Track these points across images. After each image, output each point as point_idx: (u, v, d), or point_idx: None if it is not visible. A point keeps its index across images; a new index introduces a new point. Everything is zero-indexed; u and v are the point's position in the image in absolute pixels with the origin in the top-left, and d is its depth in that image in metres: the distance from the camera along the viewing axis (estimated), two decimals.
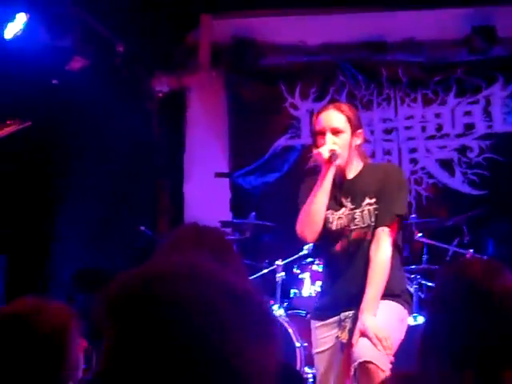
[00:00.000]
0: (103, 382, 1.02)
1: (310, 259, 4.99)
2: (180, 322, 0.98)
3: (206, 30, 6.46)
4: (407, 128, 6.43)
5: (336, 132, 3.08)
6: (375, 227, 3.07)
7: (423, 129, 6.41)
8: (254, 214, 5.53)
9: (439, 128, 6.38)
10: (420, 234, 5.18)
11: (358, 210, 3.11)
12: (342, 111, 3.11)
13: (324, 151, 3.05)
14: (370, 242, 3.07)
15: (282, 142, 6.55)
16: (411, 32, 6.31)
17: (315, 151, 3.10)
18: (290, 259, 4.97)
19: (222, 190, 6.55)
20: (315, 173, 3.17)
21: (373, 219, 3.08)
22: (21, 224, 5.60)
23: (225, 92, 6.65)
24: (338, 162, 3.08)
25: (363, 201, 3.10)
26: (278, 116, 6.58)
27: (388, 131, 6.45)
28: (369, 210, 3.09)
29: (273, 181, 6.45)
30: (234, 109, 6.64)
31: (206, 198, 6.43)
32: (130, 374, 0.99)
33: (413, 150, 6.41)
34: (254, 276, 5.13)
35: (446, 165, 6.31)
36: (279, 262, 4.94)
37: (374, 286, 2.99)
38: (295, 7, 6.24)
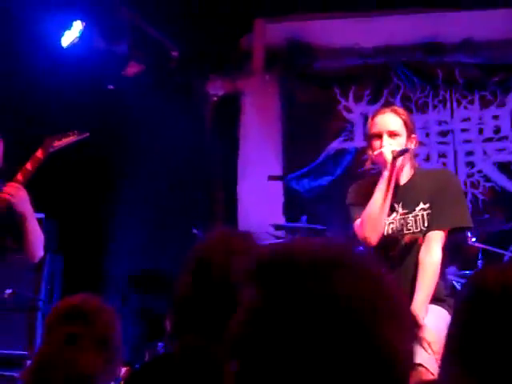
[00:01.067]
0: (239, 346, 1.01)
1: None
2: (327, 297, 0.97)
3: (259, 34, 6.49)
4: (463, 130, 6.33)
5: (393, 135, 3.06)
6: (428, 231, 3.04)
7: (480, 131, 6.29)
8: (305, 217, 5.53)
9: (497, 130, 6.25)
10: (474, 239, 5.09)
11: (410, 215, 3.09)
12: (398, 114, 3.10)
13: (387, 151, 3.03)
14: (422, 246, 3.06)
15: (336, 144, 6.53)
16: (468, 32, 6.20)
17: (376, 152, 3.07)
18: None
19: (275, 193, 6.57)
20: (366, 176, 3.16)
21: (426, 224, 3.06)
22: (79, 225, 5.75)
23: (279, 95, 6.67)
24: (398, 163, 3.07)
25: (417, 206, 3.09)
26: (331, 119, 6.56)
27: (444, 134, 6.36)
28: (422, 215, 3.07)
29: (326, 184, 6.43)
30: (288, 112, 6.65)
31: (260, 201, 6.46)
32: (268, 339, 0.97)
33: (469, 153, 6.30)
34: None
35: (504, 168, 6.18)
36: None
37: (424, 290, 2.98)
38: (349, 10, 6.21)
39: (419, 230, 3.07)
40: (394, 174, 3.05)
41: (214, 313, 1.70)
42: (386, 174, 3.05)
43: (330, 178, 6.43)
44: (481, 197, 6.21)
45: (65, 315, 2.04)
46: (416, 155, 3.34)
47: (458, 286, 4.80)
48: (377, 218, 3.07)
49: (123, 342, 2.18)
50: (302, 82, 6.60)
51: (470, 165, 6.28)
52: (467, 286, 1.70)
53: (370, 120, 3.20)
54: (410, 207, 3.10)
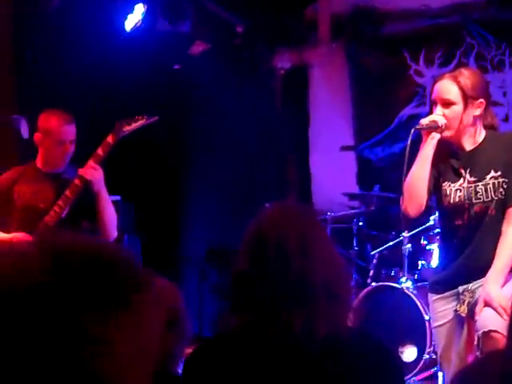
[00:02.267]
0: None
1: (437, 230, 4.86)
2: None
3: (324, 3, 6.41)
4: None
5: (447, 104, 3.00)
6: (507, 204, 2.97)
7: None
8: (377, 186, 5.46)
9: None
10: None
11: (480, 183, 3.02)
12: (456, 82, 2.99)
13: (423, 122, 3.00)
14: (493, 216, 2.99)
15: (408, 111, 6.38)
16: None
17: (420, 121, 3.05)
18: (416, 230, 4.86)
19: (348, 163, 6.50)
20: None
21: (497, 193, 2.99)
22: (155, 206, 5.87)
23: (347, 64, 6.57)
24: (446, 133, 3.00)
25: (487, 174, 3.01)
26: (402, 85, 6.40)
27: None
28: (493, 183, 3.00)
29: (399, 151, 6.31)
30: (357, 80, 6.54)
31: (333, 171, 6.42)
32: None
33: None
34: (381, 248, 5.08)
35: None
36: (405, 234, 4.85)
37: (503, 259, 2.94)
38: None
39: (490, 199, 2.99)
40: (430, 144, 3.00)
41: (270, 290, 1.71)
42: (422, 144, 3.02)
43: (403, 146, 6.30)
44: None
45: None
46: (495, 115, 3.21)
47: None
48: (413, 191, 3.03)
49: (203, 318, 2.21)
50: (370, 48, 6.46)
51: None
52: None
53: (432, 84, 3.13)
54: (479, 175, 3.02)
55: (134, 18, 4.89)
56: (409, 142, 3.01)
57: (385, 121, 6.43)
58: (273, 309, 1.69)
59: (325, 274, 1.69)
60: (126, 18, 4.90)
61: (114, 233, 3.68)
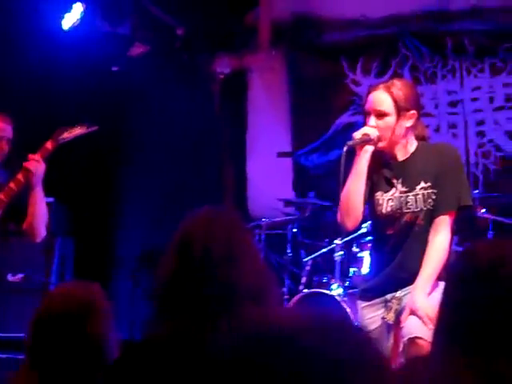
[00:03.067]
0: None
1: (368, 237, 4.96)
2: None
3: (265, 9, 6.46)
4: (474, 100, 6.25)
5: (380, 115, 3.04)
6: (435, 214, 3.03)
7: (491, 100, 6.21)
8: (312, 192, 5.54)
9: (508, 98, 6.16)
10: (483, 210, 5.05)
11: (411, 194, 3.07)
12: (390, 93, 3.03)
13: (356, 135, 3.04)
14: (421, 226, 3.05)
15: (345, 119, 6.49)
16: None
17: (353, 134, 3.09)
18: (348, 238, 4.95)
19: (284, 169, 6.57)
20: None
21: (426, 203, 3.05)
22: (89, 208, 5.80)
23: (286, 70, 6.64)
24: (380, 144, 3.04)
25: (418, 184, 3.06)
26: (339, 93, 6.52)
27: (453, 104, 6.29)
28: (423, 194, 3.05)
29: (335, 158, 6.41)
30: (296, 87, 6.62)
31: (269, 177, 6.47)
32: None
33: (480, 123, 6.22)
34: (314, 255, 5.15)
35: None
36: (338, 241, 4.94)
37: (430, 268, 3.00)
38: None
39: (419, 209, 3.05)
40: (364, 157, 3.03)
41: (196, 294, 1.72)
42: (356, 157, 3.05)
43: (338, 153, 6.37)
44: (492, 167, 6.15)
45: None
46: (426, 126, 3.29)
47: None
48: (350, 204, 3.06)
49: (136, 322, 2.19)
50: (309, 56, 6.56)
51: (481, 135, 6.21)
52: (458, 260, 1.71)
53: (366, 94, 3.17)
54: (410, 185, 3.07)
55: (71, 17, 4.83)
56: (342, 161, 3.04)
57: (321, 128, 6.53)
58: (199, 313, 1.71)
59: (250, 279, 1.72)
60: (63, 17, 4.84)
61: (43, 232, 3.67)
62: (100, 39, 5.22)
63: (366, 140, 3.03)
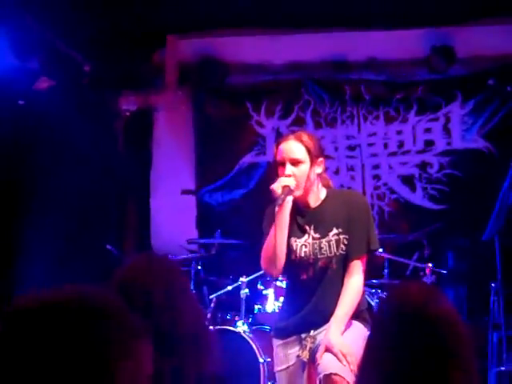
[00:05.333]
0: None
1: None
2: None
3: (172, 50, 6.56)
4: (370, 145, 6.58)
5: (295, 163, 3.16)
6: (348, 258, 3.18)
7: (385, 145, 6.56)
8: (219, 231, 5.63)
9: (401, 145, 6.53)
10: (380, 250, 5.31)
11: (324, 240, 3.20)
12: (301, 141, 3.17)
13: (277, 188, 3.12)
14: (334, 270, 3.19)
15: (248, 158, 6.66)
16: (373, 51, 6.46)
17: (271, 187, 3.16)
18: (254, 276, 5.06)
19: (188, 208, 6.63)
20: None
21: (339, 248, 3.19)
22: None
23: (191, 111, 6.75)
24: (297, 193, 3.17)
25: (330, 231, 3.20)
26: (243, 133, 6.68)
27: (352, 148, 6.59)
28: (336, 239, 3.19)
29: (239, 197, 6.55)
30: (201, 127, 6.74)
31: (173, 215, 6.52)
32: None
33: (376, 167, 6.56)
34: (219, 293, 5.21)
35: (408, 180, 6.46)
36: (243, 279, 5.04)
37: (345, 308, 3.14)
38: (260, 27, 6.37)
39: (333, 254, 3.19)
40: (286, 208, 3.12)
41: None
42: (277, 210, 3.12)
43: (242, 192, 6.55)
44: (386, 208, 6.48)
45: None
46: (326, 168, 3.44)
47: (369, 295, 5.00)
48: (275, 254, 3.14)
49: None
50: (215, 97, 6.70)
51: (377, 178, 6.54)
52: (390, 302, 1.83)
53: (275, 147, 3.28)
54: (323, 232, 3.20)
55: None
56: (278, 210, 3.10)
57: (226, 167, 6.66)
58: None
59: (191, 324, 1.78)
60: None
61: None
62: (8, 72, 5.15)
63: (288, 193, 3.12)
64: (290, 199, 3.15)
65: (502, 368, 5.03)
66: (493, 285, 5.31)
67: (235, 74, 6.58)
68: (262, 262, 3.21)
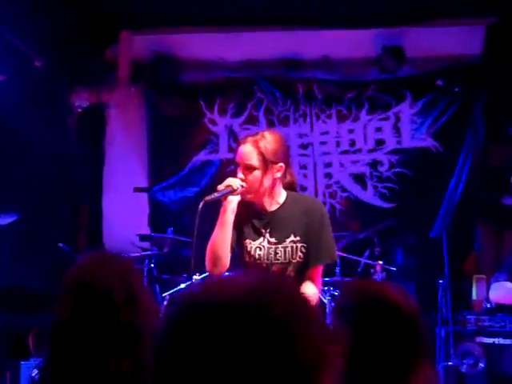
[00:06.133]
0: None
1: (226, 273, 5.11)
2: None
3: (125, 46, 6.52)
4: (322, 143, 6.65)
5: (248, 168, 3.13)
6: (306, 267, 3.18)
7: (337, 144, 6.64)
8: (171, 229, 5.62)
9: (352, 143, 6.62)
10: None
11: (280, 246, 3.18)
12: (257, 147, 3.12)
13: (220, 187, 3.12)
14: (292, 277, 3.16)
15: (201, 156, 6.66)
16: (326, 50, 6.53)
17: (218, 187, 3.15)
18: (207, 273, 5.05)
19: (140, 205, 6.61)
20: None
21: (295, 256, 3.17)
22: None
23: (144, 107, 6.72)
24: (248, 196, 3.16)
25: (287, 237, 3.18)
26: (196, 131, 6.68)
27: (304, 146, 6.66)
28: (292, 247, 3.17)
29: (191, 195, 6.55)
30: (154, 124, 6.72)
31: (125, 213, 6.48)
32: None
33: (327, 165, 6.63)
34: (172, 291, 5.21)
35: (359, 179, 6.56)
36: (197, 277, 5.03)
37: None
38: (215, 24, 6.37)
39: (288, 261, 3.18)
40: (229, 211, 3.11)
41: (98, 335, 1.77)
42: (222, 210, 3.13)
43: (195, 190, 6.56)
44: (338, 206, 6.56)
45: None
46: (284, 172, 3.36)
47: (322, 293, 5.07)
48: (217, 254, 3.15)
49: None
50: (168, 94, 6.68)
51: (328, 176, 6.62)
52: (351, 300, 1.91)
53: (236, 147, 3.26)
54: (279, 237, 3.19)
55: None
56: (198, 214, 3.07)
57: (178, 165, 6.65)
58: (101, 357, 1.76)
59: (150, 319, 1.80)
60: None
61: None
62: None
63: (229, 192, 3.10)
64: (233, 199, 3.13)
65: (450, 363, 5.15)
66: (440, 281, 5.42)
67: (189, 71, 6.58)
68: (206, 262, 3.21)
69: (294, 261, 3.19)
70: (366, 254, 5.85)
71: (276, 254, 3.20)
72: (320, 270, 3.23)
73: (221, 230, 3.14)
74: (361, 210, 6.51)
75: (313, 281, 3.19)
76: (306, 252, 3.18)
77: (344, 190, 6.58)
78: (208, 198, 3.11)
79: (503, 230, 6.26)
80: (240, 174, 3.16)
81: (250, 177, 3.15)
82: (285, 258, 3.19)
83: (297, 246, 3.18)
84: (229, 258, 3.19)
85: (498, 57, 6.17)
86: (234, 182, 3.12)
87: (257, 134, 3.25)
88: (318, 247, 3.18)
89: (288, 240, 3.19)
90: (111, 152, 6.70)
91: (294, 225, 3.19)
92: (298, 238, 3.18)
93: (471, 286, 5.78)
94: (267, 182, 3.17)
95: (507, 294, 3.69)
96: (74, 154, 6.43)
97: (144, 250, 5.87)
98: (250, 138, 3.20)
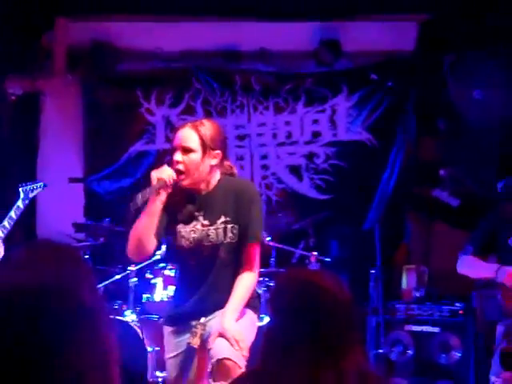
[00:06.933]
0: None
1: (162, 264, 5.14)
2: None
3: (61, 34, 6.42)
4: (259, 135, 6.72)
5: (187, 150, 3.18)
6: (240, 247, 3.23)
7: (274, 136, 6.71)
8: (108, 219, 5.60)
9: (289, 135, 6.70)
10: (269, 238, 5.45)
11: (212, 227, 3.23)
12: (197, 130, 3.18)
13: (154, 177, 3.15)
14: (224, 258, 3.24)
15: (137, 147, 6.63)
16: (264, 42, 6.57)
17: (152, 172, 3.19)
18: (142, 264, 5.08)
19: (76, 196, 6.54)
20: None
21: (227, 237, 3.23)
22: None
23: (81, 96, 6.64)
24: (185, 182, 3.20)
25: (219, 218, 3.23)
26: (133, 121, 6.65)
27: (241, 137, 6.71)
28: (224, 227, 3.22)
29: (127, 186, 6.52)
30: (90, 113, 6.65)
31: (60, 203, 6.39)
32: None
33: (264, 157, 6.70)
34: (107, 282, 5.20)
35: (295, 170, 6.65)
36: (132, 268, 5.05)
37: (238, 296, 3.20)
38: (154, 14, 6.34)
39: (220, 242, 3.23)
40: (158, 202, 3.14)
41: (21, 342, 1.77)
42: (150, 202, 3.16)
43: (131, 180, 6.53)
44: (274, 198, 6.65)
45: None
46: (222, 159, 3.41)
47: (257, 284, 5.13)
48: (140, 241, 3.17)
49: None
50: (105, 83, 6.62)
51: (265, 168, 6.69)
52: (286, 289, 1.99)
53: (174, 132, 3.32)
54: (211, 219, 3.24)
55: None
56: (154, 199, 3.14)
57: (114, 155, 6.60)
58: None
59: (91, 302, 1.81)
60: None
61: None
62: None
63: (161, 187, 3.14)
64: (164, 193, 3.16)
65: (380, 350, 5.30)
66: (372, 271, 5.56)
67: (126, 60, 6.52)
68: (128, 248, 3.22)
69: (225, 241, 3.24)
70: (301, 245, 5.95)
71: (208, 235, 3.25)
72: (256, 250, 3.26)
73: (146, 218, 3.17)
74: (296, 201, 6.60)
75: (250, 262, 3.24)
76: (236, 233, 3.24)
77: (280, 181, 6.66)
78: (142, 194, 3.14)
79: (432, 221, 6.45)
80: (177, 156, 3.19)
81: (188, 159, 3.19)
82: (217, 240, 3.24)
83: (227, 227, 3.24)
84: (153, 245, 3.22)
85: (429, 53, 6.33)
86: (168, 175, 3.15)
87: (196, 120, 3.34)
88: (249, 227, 3.23)
89: (219, 221, 3.24)
90: (46, 141, 6.60)
91: (225, 206, 3.24)
92: (228, 219, 3.23)
93: (401, 276, 5.95)
94: (204, 167, 3.22)
95: (469, 268, 3.94)
96: (7, 142, 6.31)
97: (79, 240, 5.82)
98: (189, 123, 3.27)
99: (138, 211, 3.22)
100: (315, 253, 5.60)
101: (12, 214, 4.79)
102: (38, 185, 5.11)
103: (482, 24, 5.77)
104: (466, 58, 6.08)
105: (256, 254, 3.27)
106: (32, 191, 5.03)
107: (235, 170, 3.41)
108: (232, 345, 3.11)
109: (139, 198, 3.15)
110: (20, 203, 4.87)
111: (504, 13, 5.59)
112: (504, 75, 5.87)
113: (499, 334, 3.86)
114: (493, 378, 3.79)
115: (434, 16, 6.18)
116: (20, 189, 4.97)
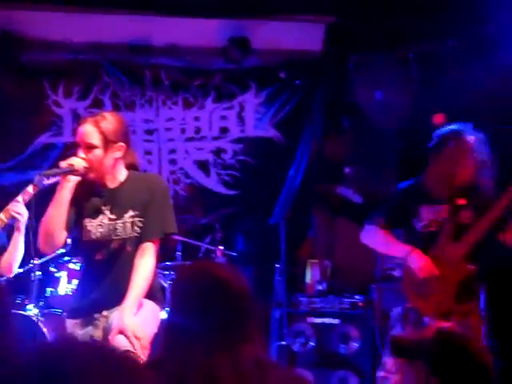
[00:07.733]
0: None
1: (67, 258, 5.10)
2: None
3: None
4: (167, 129, 6.73)
5: (89, 147, 3.21)
6: (141, 240, 3.25)
7: (183, 131, 6.74)
8: None
9: (197, 131, 6.75)
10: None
11: (119, 221, 3.26)
12: (97, 127, 3.20)
13: (62, 164, 3.18)
14: (129, 252, 3.26)
15: (44, 139, 6.52)
16: (174, 38, 6.59)
17: (59, 163, 3.21)
18: (46, 258, 5.02)
19: None
20: None
21: (133, 231, 3.26)
22: None
23: None
24: (89, 176, 3.22)
25: (126, 213, 3.26)
26: (39, 113, 6.53)
27: (149, 132, 6.70)
28: (131, 222, 3.25)
29: (32, 178, 6.37)
30: None
31: None
32: None
33: (172, 151, 6.73)
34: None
35: (203, 166, 6.70)
36: (35, 261, 4.97)
37: (136, 290, 3.21)
38: (62, 3, 6.24)
39: (127, 236, 3.26)
40: (66, 189, 3.17)
41: None
42: (58, 187, 3.20)
43: (36, 173, 6.39)
44: (181, 193, 6.68)
45: None
46: (126, 151, 3.42)
47: (162, 277, 5.17)
48: (50, 232, 3.20)
49: None
50: (10, 73, 6.46)
51: (173, 162, 6.71)
52: (185, 279, 2.06)
53: (77, 127, 3.33)
54: (119, 213, 3.26)
55: None
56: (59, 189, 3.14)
57: (19, 147, 6.47)
58: None
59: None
60: None
61: (16, 269, 3.99)
62: None
63: (70, 171, 3.16)
64: (73, 179, 3.18)
65: (283, 342, 5.44)
66: (277, 266, 5.70)
67: (33, 50, 6.39)
68: (39, 240, 3.24)
69: (132, 236, 3.27)
70: (208, 239, 6.04)
71: (116, 229, 3.27)
72: (156, 243, 3.29)
73: (55, 208, 3.17)
74: (204, 196, 6.66)
75: (148, 254, 3.25)
76: (143, 226, 3.27)
77: (188, 176, 6.70)
78: (48, 171, 3.21)
79: (336, 217, 6.65)
80: (81, 154, 3.21)
81: (91, 156, 3.21)
82: (124, 234, 3.27)
83: (135, 221, 3.26)
84: (63, 237, 3.23)
85: (335, 54, 6.52)
86: (78, 163, 3.18)
87: (97, 114, 3.34)
88: (154, 220, 3.26)
89: (126, 215, 3.27)
90: None
91: (134, 200, 3.27)
92: (136, 213, 3.26)
93: (306, 270, 6.12)
94: (108, 161, 3.25)
95: (379, 241, 3.92)
96: None
97: None
98: (90, 119, 3.28)
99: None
100: (221, 247, 5.69)
101: None
102: None
103: (383, 27, 5.99)
104: (369, 60, 6.31)
105: (157, 247, 3.31)
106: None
107: (137, 161, 3.44)
108: (132, 343, 3.12)
109: (42, 174, 3.15)
110: None
111: (401, 17, 5.82)
112: (402, 77, 6.12)
113: (395, 315, 3.90)
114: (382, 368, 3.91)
115: (340, 18, 6.36)
116: None
